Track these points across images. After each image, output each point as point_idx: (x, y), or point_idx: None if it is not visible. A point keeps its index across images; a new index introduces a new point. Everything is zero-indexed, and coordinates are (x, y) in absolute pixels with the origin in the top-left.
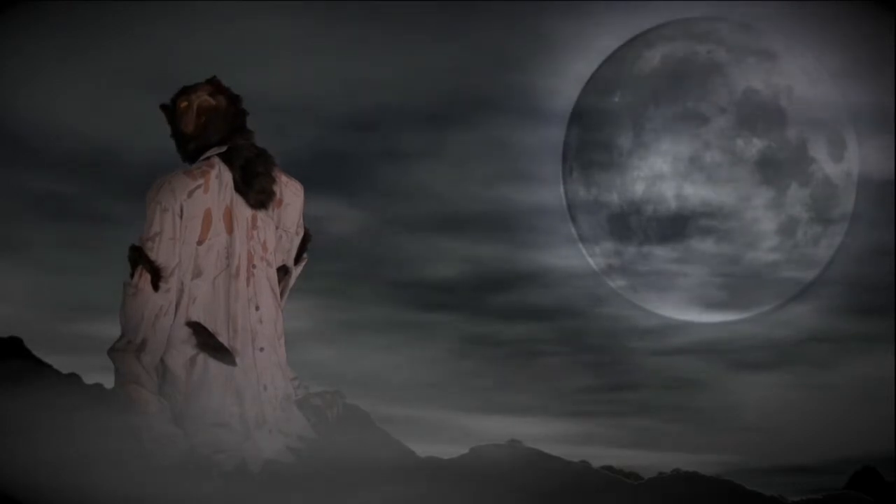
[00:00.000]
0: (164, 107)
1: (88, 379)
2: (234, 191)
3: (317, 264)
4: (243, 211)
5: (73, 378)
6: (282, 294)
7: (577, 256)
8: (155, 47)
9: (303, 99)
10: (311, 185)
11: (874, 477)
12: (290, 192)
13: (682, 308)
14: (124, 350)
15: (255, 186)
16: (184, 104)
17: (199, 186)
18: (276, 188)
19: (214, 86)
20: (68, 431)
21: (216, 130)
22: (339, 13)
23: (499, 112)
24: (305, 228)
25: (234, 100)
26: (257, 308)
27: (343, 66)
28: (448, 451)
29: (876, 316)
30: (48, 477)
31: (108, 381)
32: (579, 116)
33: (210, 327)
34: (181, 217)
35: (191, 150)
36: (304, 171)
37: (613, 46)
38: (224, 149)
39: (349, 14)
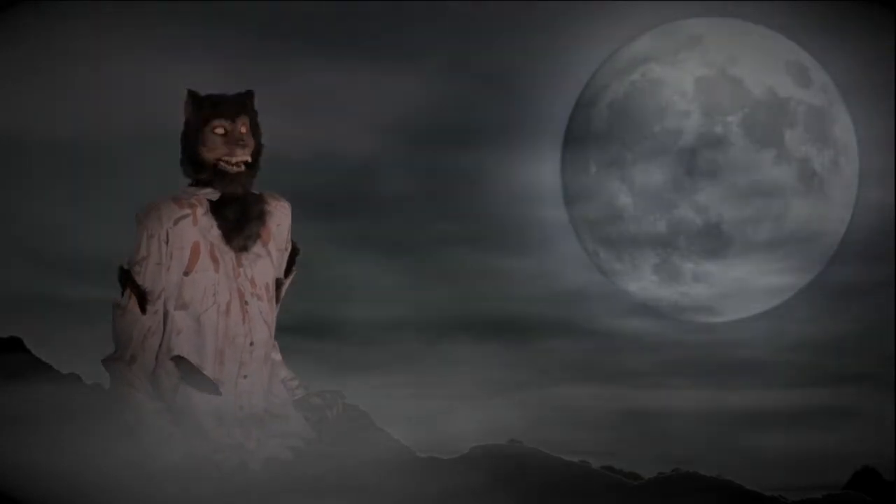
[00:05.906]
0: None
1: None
2: (219, 230)
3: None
4: (226, 251)
5: (73, 378)
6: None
7: (571, 245)
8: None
9: None
10: None
11: (874, 477)
12: (279, 213)
13: (677, 306)
14: (116, 360)
15: (245, 232)
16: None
17: (185, 216)
18: (262, 231)
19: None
20: (67, 432)
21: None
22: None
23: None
24: (293, 243)
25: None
26: (252, 344)
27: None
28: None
29: (875, 319)
30: (47, 477)
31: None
32: (584, 107)
33: (195, 361)
34: (167, 243)
35: (190, 172)
36: None
37: (619, 42)
38: (217, 196)
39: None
